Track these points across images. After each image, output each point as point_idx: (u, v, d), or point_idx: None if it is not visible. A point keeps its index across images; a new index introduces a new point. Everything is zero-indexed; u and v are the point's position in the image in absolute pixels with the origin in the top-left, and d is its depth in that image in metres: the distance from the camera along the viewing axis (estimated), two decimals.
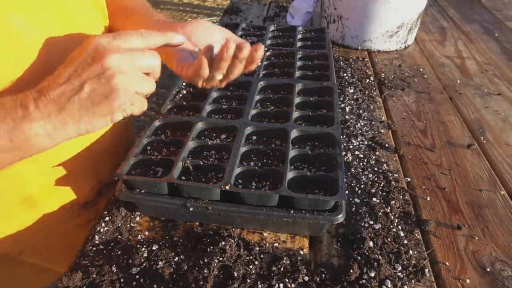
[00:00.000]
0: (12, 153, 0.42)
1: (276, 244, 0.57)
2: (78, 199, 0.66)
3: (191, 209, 0.54)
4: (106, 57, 0.42)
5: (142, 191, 0.56)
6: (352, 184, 0.68)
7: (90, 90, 0.42)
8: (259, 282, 0.50)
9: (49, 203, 0.63)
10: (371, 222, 0.61)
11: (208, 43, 0.54)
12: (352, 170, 0.72)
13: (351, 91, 0.99)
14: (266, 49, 0.94)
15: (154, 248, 0.55)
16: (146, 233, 0.58)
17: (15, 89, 0.49)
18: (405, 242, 0.58)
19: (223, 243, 0.55)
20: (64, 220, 0.66)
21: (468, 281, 0.54)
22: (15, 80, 0.49)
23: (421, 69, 1.14)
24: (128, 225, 0.59)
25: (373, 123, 0.87)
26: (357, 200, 0.65)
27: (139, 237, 0.57)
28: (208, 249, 0.54)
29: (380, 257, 0.55)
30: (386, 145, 0.79)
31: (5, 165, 0.45)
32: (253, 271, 0.52)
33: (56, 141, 0.43)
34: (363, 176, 0.70)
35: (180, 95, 0.77)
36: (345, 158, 0.74)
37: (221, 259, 0.53)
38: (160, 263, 0.53)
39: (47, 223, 0.63)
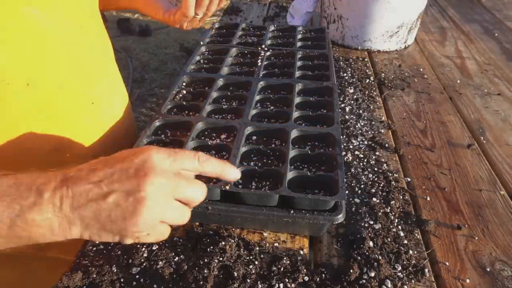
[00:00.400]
0: (7, 239, 0.38)
1: (276, 244, 0.57)
2: None
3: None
4: (147, 177, 0.38)
5: None
6: (352, 184, 0.68)
7: (112, 203, 0.38)
8: (259, 282, 0.50)
9: None
10: (371, 222, 0.61)
11: None
12: (352, 170, 0.72)
13: (351, 91, 0.99)
14: (266, 49, 0.94)
15: (154, 248, 0.55)
16: None
17: (34, 80, 0.50)
18: (405, 242, 0.58)
19: (223, 243, 0.55)
20: None
21: (468, 281, 0.54)
22: (34, 71, 0.49)
23: (421, 69, 1.14)
24: None
25: (373, 123, 0.87)
26: (357, 200, 0.65)
27: None
28: (208, 249, 0.54)
29: (380, 257, 0.55)
30: (386, 145, 0.80)
31: None
32: (253, 271, 0.52)
33: (56, 238, 0.39)
34: (363, 176, 0.70)
35: (180, 95, 0.77)
36: (345, 158, 0.74)
37: (221, 259, 0.53)
38: (160, 263, 0.53)
39: None
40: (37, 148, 0.56)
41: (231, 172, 0.47)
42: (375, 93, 0.99)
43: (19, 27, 0.48)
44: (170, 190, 0.40)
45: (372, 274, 0.52)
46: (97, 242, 0.56)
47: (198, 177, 0.46)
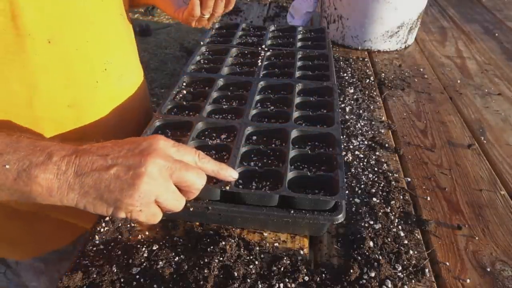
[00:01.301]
0: (11, 192, 0.41)
1: (276, 244, 0.57)
2: None
3: (191, 209, 0.54)
4: (149, 157, 0.42)
5: None
6: (352, 184, 0.68)
7: (113, 174, 0.41)
8: (259, 282, 0.50)
9: None
10: (371, 222, 0.61)
11: None
12: (352, 170, 0.72)
13: (351, 91, 0.99)
14: (266, 49, 0.94)
15: (154, 248, 0.55)
16: (146, 233, 0.58)
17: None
18: (405, 242, 0.58)
19: (223, 243, 0.55)
20: None
21: (468, 281, 0.54)
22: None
23: (421, 69, 1.14)
24: (128, 225, 0.59)
25: (373, 123, 0.87)
26: (357, 200, 0.65)
27: (139, 237, 0.57)
28: (208, 249, 0.54)
29: (380, 257, 0.55)
30: (386, 145, 0.79)
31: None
32: (253, 271, 0.52)
33: (53, 200, 0.42)
34: (363, 176, 0.70)
35: (180, 95, 0.77)
36: (345, 158, 0.74)
37: (221, 259, 0.53)
38: (160, 263, 0.53)
39: None
40: (52, 103, 0.58)
41: (228, 171, 0.51)
42: (375, 93, 0.99)
43: None
44: (170, 172, 0.43)
45: (372, 274, 0.52)
46: (97, 242, 0.56)
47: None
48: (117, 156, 0.42)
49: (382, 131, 0.84)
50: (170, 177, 0.43)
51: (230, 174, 0.51)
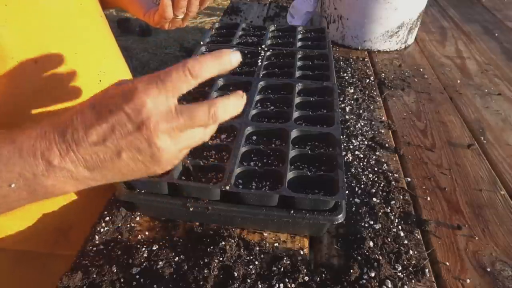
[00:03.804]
0: (31, 199, 0.39)
1: (276, 244, 0.57)
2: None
3: (191, 209, 0.54)
4: (151, 133, 0.35)
5: (142, 191, 0.56)
6: (352, 184, 0.68)
7: (128, 158, 0.37)
8: (259, 282, 0.50)
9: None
10: (371, 222, 0.61)
11: None
12: (352, 170, 0.72)
13: (351, 91, 0.99)
14: (266, 49, 0.94)
15: (154, 248, 0.55)
16: (146, 233, 0.58)
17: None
18: (405, 242, 0.58)
19: (223, 243, 0.55)
20: (94, 199, 0.64)
21: (468, 281, 0.54)
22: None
23: (421, 69, 1.14)
24: (128, 225, 0.59)
25: (373, 123, 0.87)
26: (357, 200, 0.65)
27: (139, 237, 0.57)
28: (208, 249, 0.54)
29: (380, 257, 0.55)
30: (386, 145, 0.79)
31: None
32: (253, 271, 0.52)
33: (74, 189, 0.39)
34: (363, 176, 0.70)
35: (180, 95, 0.77)
36: (345, 158, 0.74)
37: (221, 259, 0.53)
38: (160, 263, 0.53)
39: (81, 201, 0.63)
40: None
41: (231, 56, 0.42)
42: (375, 93, 0.99)
43: (22, 4, 0.48)
44: (178, 131, 0.37)
45: (372, 274, 0.52)
46: (97, 242, 0.56)
47: None
48: (115, 138, 0.35)
49: (382, 131, 0.84)
50: (180, 133, 0.37)
51: (235, 59, 0.43)
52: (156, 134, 0.36)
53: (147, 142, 0.36)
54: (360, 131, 0.83)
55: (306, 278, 0.51)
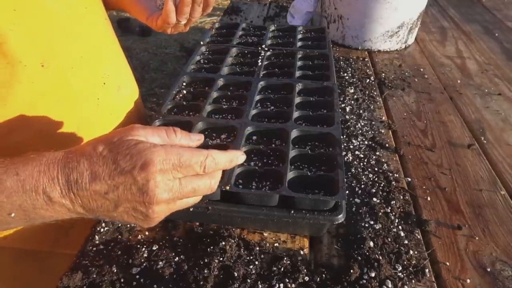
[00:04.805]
0: (26, 224, 0.41)
1: (276, 244, 0.57)
2: None
3: (191, 209, 0.54)
4: (155, 206, 0.39)
5: None
6: (353, 184, 0.68)
7: (123, 212, 0.39)
8: (259, 282, 0.50)
9: None
10: (371, 222, 0.60)
11: None
12: (353, 170, 0.72)
13: (352, 91, 0.99)
14: (266, 49, 0.94)
15: (154, 248, 0.55)
16: (146, 233, 0.58)
17: None
18: (406, 242, 0.58)
19: (223, 243, 0.55)
20: None
21: (468, 281, 0.54)
22: None
23: (422, 69, 1.14)
24: (128, 225, 0.59)
25: (373, 123, 0.87)
26: (357, 200, 0.65)
27: (139, 237, 0.57)
28: (208, 249, 0.54)
29: (380, 257, 0.55)
30: (387, 145, 0.79)
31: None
32: (253, 271, 0.52)
33: (69, 218, 0.41)
34: (363, 176, 0.70)
35: (180, 95, 0.77)
36: (345, 158, 0.74)
37: (221, 259, 0.53)
38: (160, 263, 0.53)
39: None
40: (54, 130, 0.57)
41: (239, 158, 0.46)
42: (375, 93, 0.99)
43: (30, 9, 0.49)
44: (177, 199, 0.41)
45: (373, 274, 0.52)
46: (97, 242, 0.56)
47: None
48: (116, 195, 0.38)
49: (382, 131, 0.84)
50: (178, 198, 0.41)
51: (241, 159, 0.47)
52: (156, 202, 0.39)
53: (145, 206, 0.39)
54: (360, 131, 0.83)
55: (306, 278, 0.51)
